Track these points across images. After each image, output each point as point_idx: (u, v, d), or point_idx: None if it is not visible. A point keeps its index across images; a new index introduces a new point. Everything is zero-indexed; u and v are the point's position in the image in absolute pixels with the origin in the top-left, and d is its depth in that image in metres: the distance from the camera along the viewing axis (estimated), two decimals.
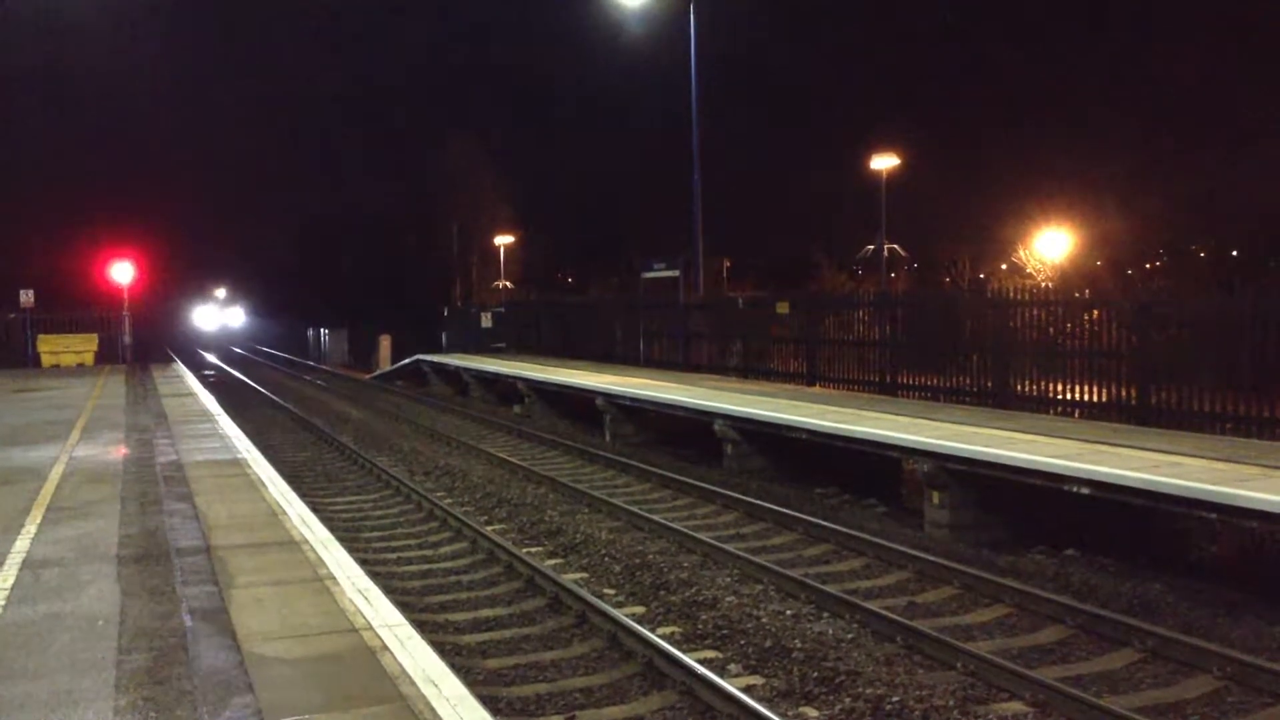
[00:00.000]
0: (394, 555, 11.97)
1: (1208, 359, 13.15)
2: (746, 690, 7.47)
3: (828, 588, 9.97)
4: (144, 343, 40.48)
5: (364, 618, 6.64)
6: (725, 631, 8.93)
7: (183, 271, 62.60)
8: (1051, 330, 15.79)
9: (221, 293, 66.20)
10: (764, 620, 9.18)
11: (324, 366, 48.29)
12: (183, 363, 33.32)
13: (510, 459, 18.19)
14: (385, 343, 43.55)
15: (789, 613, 9.47)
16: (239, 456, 13.61)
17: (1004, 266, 44.92)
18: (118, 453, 13.99)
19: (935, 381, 17.66)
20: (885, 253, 35.92)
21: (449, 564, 11.61)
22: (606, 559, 11.41)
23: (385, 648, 6.05)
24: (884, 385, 18.70)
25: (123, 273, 35.89)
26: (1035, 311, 16.01)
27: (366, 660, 5.86)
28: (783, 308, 22.18)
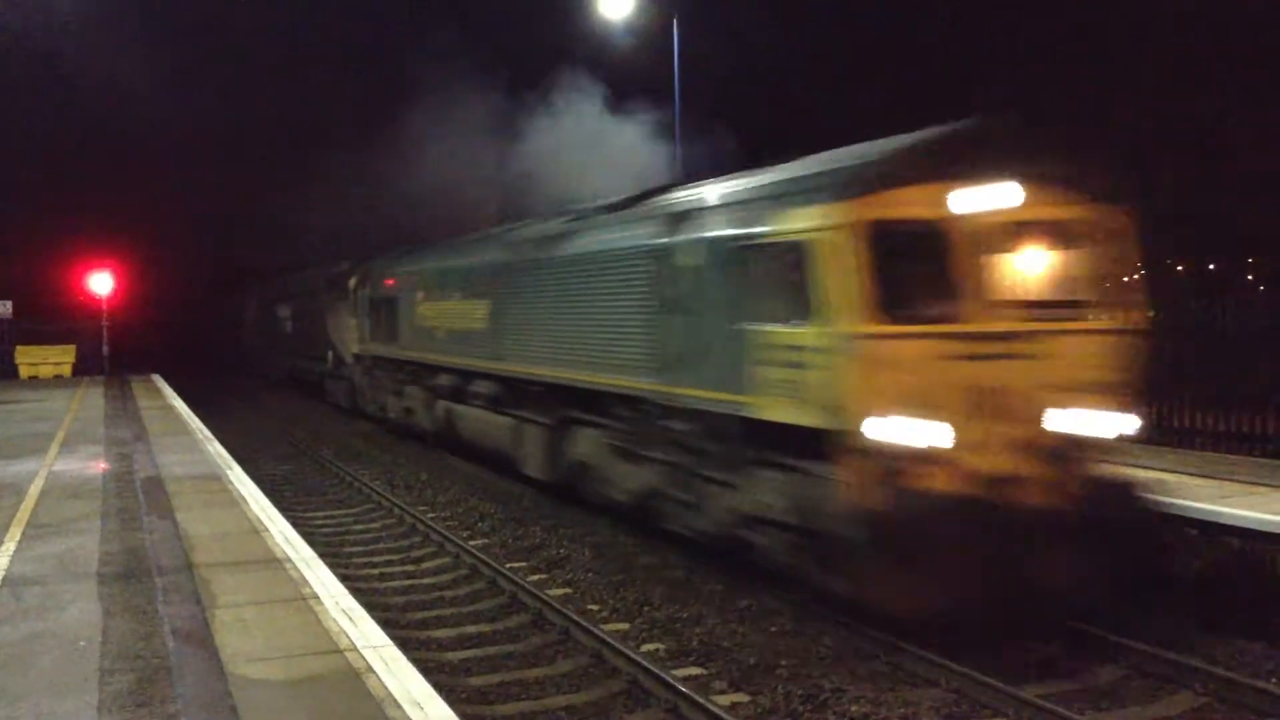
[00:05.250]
0: (376, 571, 11.92)
1: None
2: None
3: None
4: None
5: (348, 638, 6.62)
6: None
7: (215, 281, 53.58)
8: None
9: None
10: None
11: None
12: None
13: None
14: None
15: None
16: (219, 470, 13.54)
17: None
18: (98, 467, 13.90)
19: None
20: None
21: (431, 580, 11.56)
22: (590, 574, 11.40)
23: (370, 669, 6.03)
24: None
25: (101, 284, 35.69)
26: None
27: (351, 682, 5.83)
28: None
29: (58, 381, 32.68)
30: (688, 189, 11.64)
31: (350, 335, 25.24)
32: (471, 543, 12.84)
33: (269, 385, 37.75)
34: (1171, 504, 9.61)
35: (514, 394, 15.36)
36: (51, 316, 36.41)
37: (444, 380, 18.56)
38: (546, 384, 13.93)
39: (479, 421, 16.95)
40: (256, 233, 44.80)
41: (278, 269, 40.23)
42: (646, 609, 10.11)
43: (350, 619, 7.06)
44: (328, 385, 29.57)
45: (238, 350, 47.47)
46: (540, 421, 14.43)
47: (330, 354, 28.41)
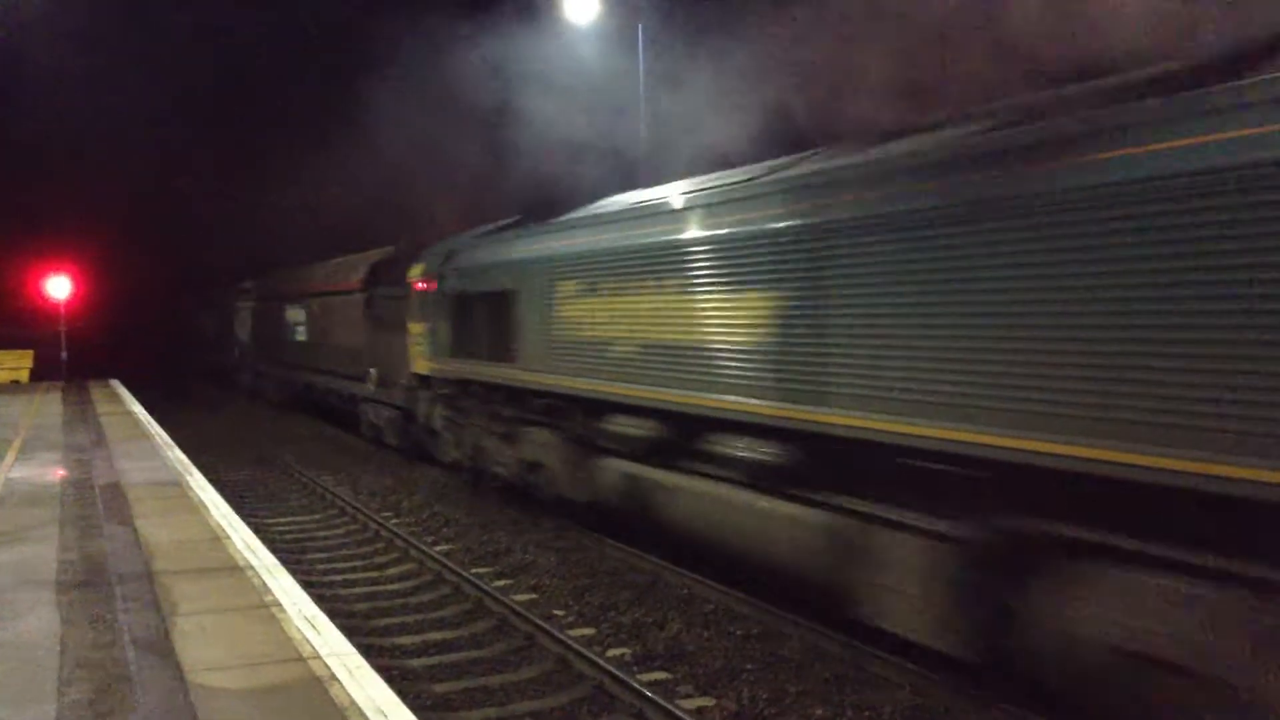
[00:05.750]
0: (339, 578, 11.83)
1: None
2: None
3: None
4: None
5: (311, 646, 6.57)
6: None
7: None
8: None
9: None
10: None
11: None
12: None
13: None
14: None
15: None
16: (180, 477, 13.41)
17: None
18: (55, 474, 13.72)
19: None
20: None
21: (395, 586, 11.50)
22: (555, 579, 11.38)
23: (334, 677, 5.99)
24: None
25: (59, 287, 35.22)
26: None
27: (315, 691, 5.79)
28: None
29: (14, 388, 32.24)
30: None
31: (414, 346, 17.47)
32: (436, 548, 12.78)
33: (237, 392, 37.21)
34: None
35: (827, 466, 8.23)
36: (7, 321, 35.90)
37: (622, 426, 11.10)
38: (990, 460, 6.48)
39: (722, 507, 9.58)
40: (253, 232, 40.82)
41: (294, 262, 31.80)
42: (612, 613, 10.11)
43: (313, 626, 7.01)
44: (366, 414, 22.19)
45: (226, 364, 39.54)
46: (940, 533, 7.11)
47: (374, 372, 21.25)
